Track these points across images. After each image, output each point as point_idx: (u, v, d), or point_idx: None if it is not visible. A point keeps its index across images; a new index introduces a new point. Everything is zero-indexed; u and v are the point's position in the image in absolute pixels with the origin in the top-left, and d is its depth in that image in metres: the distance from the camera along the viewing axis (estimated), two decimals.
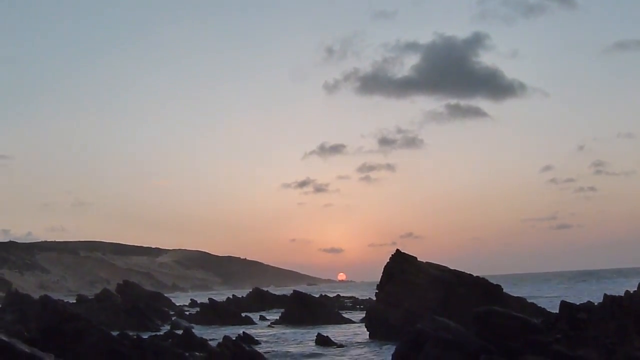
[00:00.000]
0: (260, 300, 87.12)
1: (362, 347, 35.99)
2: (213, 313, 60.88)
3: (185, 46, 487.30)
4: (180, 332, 37.63)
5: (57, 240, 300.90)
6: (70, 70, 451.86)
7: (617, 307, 18.80)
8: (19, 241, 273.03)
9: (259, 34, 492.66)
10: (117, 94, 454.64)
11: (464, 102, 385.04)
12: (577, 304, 20.63)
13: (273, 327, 54.79)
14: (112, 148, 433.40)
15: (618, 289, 20.59)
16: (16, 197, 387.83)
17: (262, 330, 50.93)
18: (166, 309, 74.92)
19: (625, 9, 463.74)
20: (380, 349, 33.41)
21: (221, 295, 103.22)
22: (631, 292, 19.15)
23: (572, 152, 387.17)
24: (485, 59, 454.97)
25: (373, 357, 31.22)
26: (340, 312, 63.53)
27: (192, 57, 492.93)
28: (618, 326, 18.43)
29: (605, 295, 19.58)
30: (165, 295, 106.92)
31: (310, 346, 36.99)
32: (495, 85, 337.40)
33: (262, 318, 64.54)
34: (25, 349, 18.82)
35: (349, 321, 56.32)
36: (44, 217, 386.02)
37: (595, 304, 19.96)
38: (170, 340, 34.20)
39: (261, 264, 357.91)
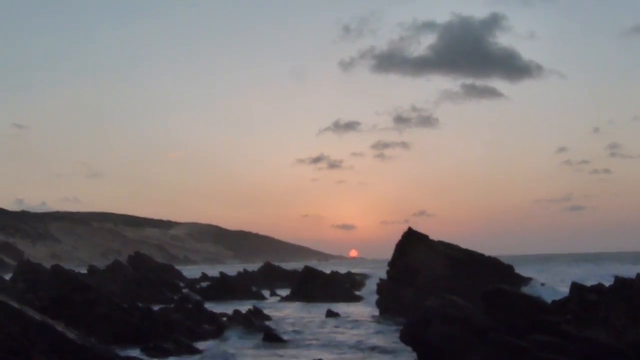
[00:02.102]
0: (271, 275, 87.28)
1: (371, 324, 36.10)
2: (224, 287, 61.07)
3: (202, 21, 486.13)
4: (190, 305, 37.77)
5: (69, 210, 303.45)
6: (86, 41, 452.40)
7: (627, 290, 18.73)
8: (32, 211, 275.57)
9: (277, 10, 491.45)
10: (133, 65, 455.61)
11: (479, 82, 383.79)
12: (588, 285, 20.56)
13: (283, 302, 55.02)
14: (128, 119, 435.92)
15: (630, 272, 20.48)
16: (31, 166, 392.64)
17: (273, 305, 51.16)
18: (177, 282, 75.18)
19: None
20: (390, 325, 33.49)
21: (232, 269, 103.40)
22: None
23: (587, 134, 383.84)
24: (502, 39, 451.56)
25: (382, 333, 31.28)
26: (351, 288, 63.68)
27: (209, 33, 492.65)
28: (628, 308, 18.38)
29: (616, 277, 19.51)
30: (177, 267, 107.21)
31: (320, 322, 37.08)
32: (511, 66, 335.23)
33: (273, 293, 64.77)
34: (36, 316, 18.94)
35: (360, 298, 56.46)
36: (58, 188, 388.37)
37: (606, 286, 19.89)
38: (180, 312, 34.32)
39: (273, 239, 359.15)
